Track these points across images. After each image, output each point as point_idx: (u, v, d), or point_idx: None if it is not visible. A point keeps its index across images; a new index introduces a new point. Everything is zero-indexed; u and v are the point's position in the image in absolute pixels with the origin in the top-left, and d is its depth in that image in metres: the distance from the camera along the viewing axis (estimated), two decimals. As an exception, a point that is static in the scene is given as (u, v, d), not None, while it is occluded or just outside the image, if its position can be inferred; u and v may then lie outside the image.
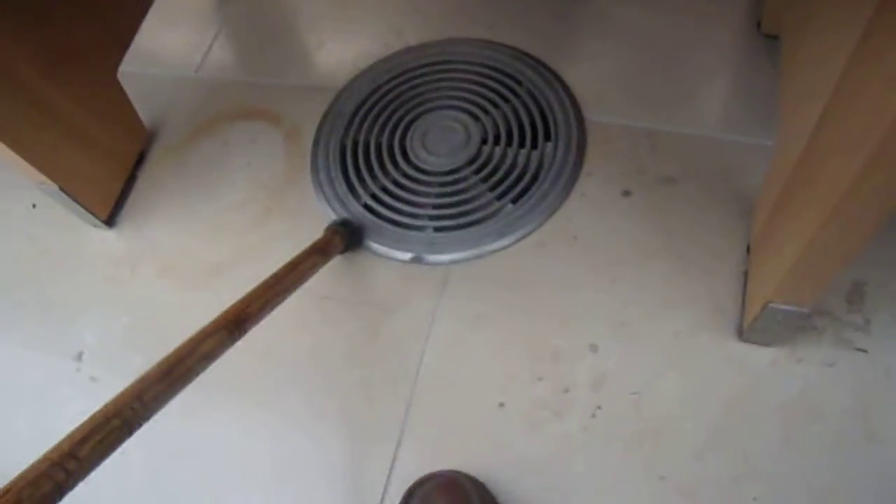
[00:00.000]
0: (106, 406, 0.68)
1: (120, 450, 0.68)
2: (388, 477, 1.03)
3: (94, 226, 1.35)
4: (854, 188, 0.66)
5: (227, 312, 0.87)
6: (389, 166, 1.29)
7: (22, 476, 0.58)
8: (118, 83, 1.34)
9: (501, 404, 1.06)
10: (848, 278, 1.07)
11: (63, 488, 0.60)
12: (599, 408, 1.03)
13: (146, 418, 0.71)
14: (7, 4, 1.09)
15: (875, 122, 0.61)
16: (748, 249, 1.10)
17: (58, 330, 1.27)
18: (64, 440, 0.63)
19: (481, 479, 1.00)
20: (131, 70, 1.40)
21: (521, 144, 1.27)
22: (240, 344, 0.88)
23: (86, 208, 1.30)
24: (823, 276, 0.84)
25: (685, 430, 1.00)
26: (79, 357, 1.22)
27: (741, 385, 1.02)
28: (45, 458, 0.61)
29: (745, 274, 1.09)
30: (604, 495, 0.98)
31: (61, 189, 1.23)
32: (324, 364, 1.14)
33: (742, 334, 1.04)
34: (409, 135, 1.32)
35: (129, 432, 0.68)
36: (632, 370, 1.05)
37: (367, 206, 1.26)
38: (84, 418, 0.67)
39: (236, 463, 1.10)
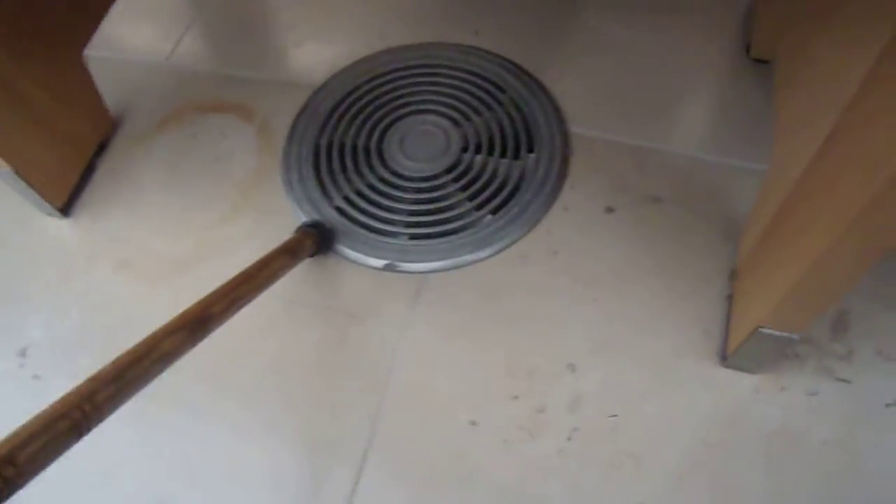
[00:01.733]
0: (52, 406, 0.62)
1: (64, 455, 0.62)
2: (350, 497, 0.98)
3: (49, 214, 1.28)
4: (864, 214, 0.64)
5: (189, 311, 0.82)
6: (365, 169, 1.24)
7: (-49, 482, 0.52)
8: (84, 65, 1.28)
9: (473, 423, 1.01)
10: (833, 307, 1.05)
11: (-2, 496, 0.53)
12: (576, 430, 0.99)
13: (97, 422, 0.64)
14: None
15: (893, 147, 0.58)
16: (733, 273, 1.07)
17: (1, 323, 1.19)
18: (2, 443, 0.57)
19: (449, 501, 0.96)
20: (99, 55, 1.35)
21: (503, 154, 1.23)
22: (199, 346, 0.82)
23: (40, 195, 1.23)
24: (823, 303, 0.82)
25: (664, 456, 0.97)
26: (22, 353, 1.15)
27: (724, 412, 0.99)
28: (-21, 463, 0.54)
29: (730, 298, 1.06)
30: (578, 523, 0.94)
31: (15, 172, 1.16)
32: (286, 372, 1.09)
33: (725, 359, 1.01)
34: (387, 138, 1.28)
35: (78, 437, 0.62)
36: (611, 392, 1.02)
37: (339, 209, 1.21)
38: (23, 420, 0.61)
39: (187, 476, 1.03)
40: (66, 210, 1.29)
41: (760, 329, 0.89)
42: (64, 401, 0.63)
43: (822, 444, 0.96)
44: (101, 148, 1.36)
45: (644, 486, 0.95)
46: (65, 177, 1.29)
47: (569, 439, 0.99)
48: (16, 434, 0.59)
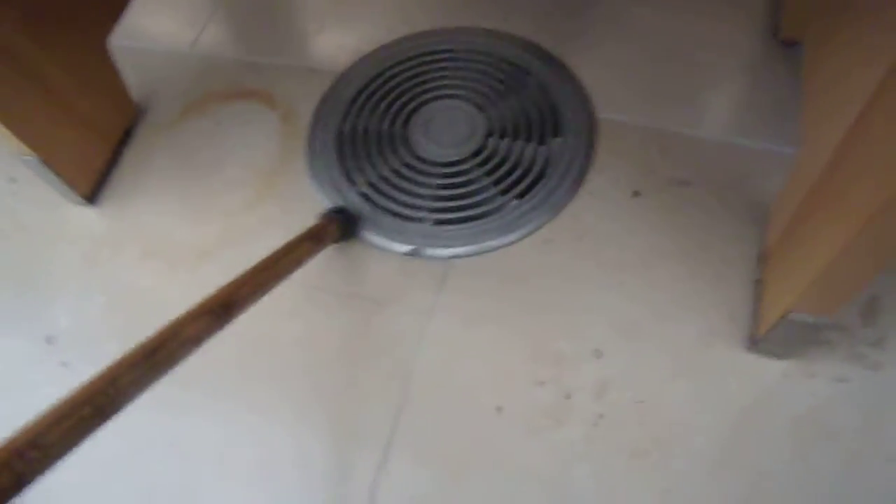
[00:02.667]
0: (76, 391, 0.62)
1: (89, 440, 0.62)
2: (375, 482, 0.98)
3: (76, 203, 1.29)
4: (892, 203, 0.63)
5: (214, 296, 0.81)
6: (389, 154, 1.24)
7: (-23, 465, 0.52)
8: (109, 54, 1.28)
9: (499, 408, 1.00)
10: (863, 293, 1.03)
11: (23, 480, 0.53)
12: (602, 416, 0.98)
13: (121, 406, 0.64)
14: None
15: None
16: (760, 257, 1.06)
17: (29, 311, 1.20)
18: (27, 427, 0.57)
19: (475, 487, 0.95)
20: (123, 43, 1.35)
21: (529, 138, 1.22)
22: (223, 332, 0.82)
23: (67, 183, 1.23)
24: (852, 286, 0.81)
25: (692, 442, 0.95)
26: (50, 340, 1.16)
27: (752, 398, 0.98)
28: (4, 447, 0.54)
29: (758, 282, 1.04)
30: (604, 509, 0.93)
31: (41, 161, 1.17)
32: (312, 358, 1.09)
33: (753, 344, 1.00)
34: (411, 123, 1.27)
35: (102, 421, 0.62)
36: (637, 378, 1.01)
37: (363, 195, 1.20)
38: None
39: (213, 461, 1.04)
40: (91, 198, 1.29)
41: (790, 314, 0.88)
42: (88, 385, 0.63)
43: (852, 431, 0.94)
44: (126, 136, 1.36)
45: (671, 472, 0.94)
46: (90, 165, 1.30)
47: (595, 425, 0.98)
48: (40, 419, 0.59)
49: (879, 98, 0.69)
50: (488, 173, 1.19)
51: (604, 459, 0.96)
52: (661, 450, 0.95)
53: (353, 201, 1.20)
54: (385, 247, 1.16)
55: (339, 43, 1.42)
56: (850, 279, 0.79)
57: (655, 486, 0.93)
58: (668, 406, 0.98)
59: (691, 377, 1.00)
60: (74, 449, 0.60)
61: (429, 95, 1.30)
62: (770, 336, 0.95)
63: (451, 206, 1.17)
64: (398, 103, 1.30)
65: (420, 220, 1.17)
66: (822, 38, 1.09)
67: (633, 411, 0.98)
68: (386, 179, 1.22)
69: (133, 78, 1.37)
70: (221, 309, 0.80)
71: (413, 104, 1.29)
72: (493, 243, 1.13)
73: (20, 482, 0.54)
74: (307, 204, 1.21)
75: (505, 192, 1.17)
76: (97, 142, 1.31)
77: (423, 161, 1.22)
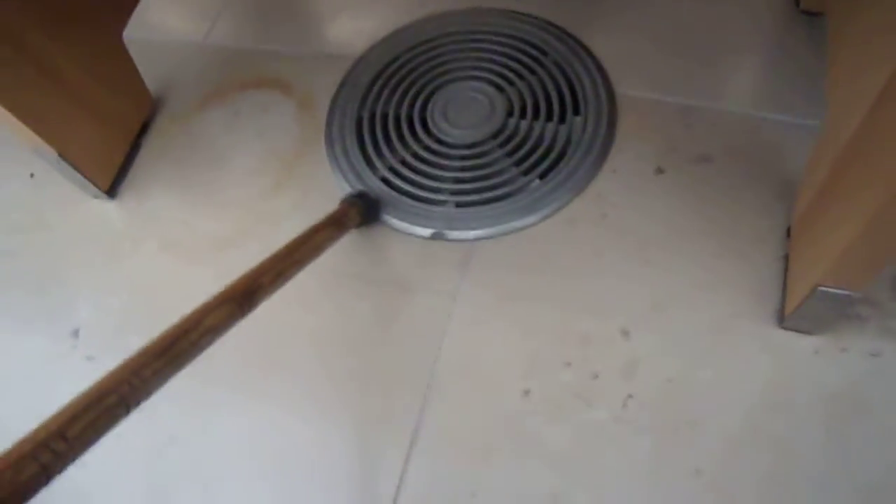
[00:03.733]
0: (100, 382, 0.62)
1: (113, 433, 0.61)
2: (403, 472, 0.97)
3: (95, 196, 1.29)
4: None
5: (236, 284, 0.81)
6: (409, 138, 1.23)
7: (2, 458, 0.52)
8: (124, 47, 1.28)
9: (526, 391, 1.00)
10: (894, 266, 1.01)
11: (50, 471, 0.53)
12: (631, 396, 0.97)
13: (145, 396, 0.64)
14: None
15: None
16: (788, 232, 1.04)
17: (52, 306, 1.21)
18: (52, 419, 0.57)
19: (503, 471, 0.94)
20: (138, 36, 1.34)
21: (549, 118, 1.20)
22: (244, 321, 0.81)
23: (86, 177, 1.24)
24: (882, 258, 0.79)
25: (722, 421, 0.94)
26: (74, 335, 1.16)
27: (782, 375, 0.96)
28: (30, 439, 0.54)
29: (786, 258, 1.03)
30: (635, 489, 0.92)
31: (61, 156, 1.17)
32: (336, 345, 1.08)
33: (782, 321, 0.98)
34: (430, 106, 1.26)
35: (126, 411, 0.62)
36: (665, 357, 0.99)
37: (384, 180, 1.20)
38: (78, 398, 0.61)
39: (235, 454, 1.04)
40: (111, 192, 1.30)
41: (819, 288, 0.86)
42: (112, 375, 0.63)
43: (886, 405, 0.92)
44: (144, 129, 1.36)
45: (701, 451, 0.93)
46: (109, 159, 1.30)
47: (624, 406, 0.97)
48: (66, 409, 0.58)
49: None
50: (509, 154, 1.18)
51: (633, 440, 0.94)
52: (690, 429, 0.94)
53: (375, 186, 1.19)
54: (407, 231, 1.15)
55: (354, 28, 1.41)
56: (879, 251, 0.77)
57: (687, 466, 0.92)
58: (697, 385, 0.97)
59: (720, 355, 0.98)
60: (99, 440, 0.59)
61: (447, 77, 1.29)
62: (799, 311, 0.93)
63: (473, 188, 1.16)
64: (416, 86, 1.29)
65: (442, 202, 1.16)
66: (845, 7, 1.07)
67: (663, 391, 0.97)
68: (406, 163, 1.21)
69: (149, 70, 1.36)
70: (243, 298, 0.79)
71: (431, 87, 1.28)
72: (516, 224, 1.12)
73: (47, 473, 0.53)
74: (327, 190, 1.21)
75: (527, 172, 1.16)
76: (115, 135, 1.31)
77: (443, 143, 1.22)
